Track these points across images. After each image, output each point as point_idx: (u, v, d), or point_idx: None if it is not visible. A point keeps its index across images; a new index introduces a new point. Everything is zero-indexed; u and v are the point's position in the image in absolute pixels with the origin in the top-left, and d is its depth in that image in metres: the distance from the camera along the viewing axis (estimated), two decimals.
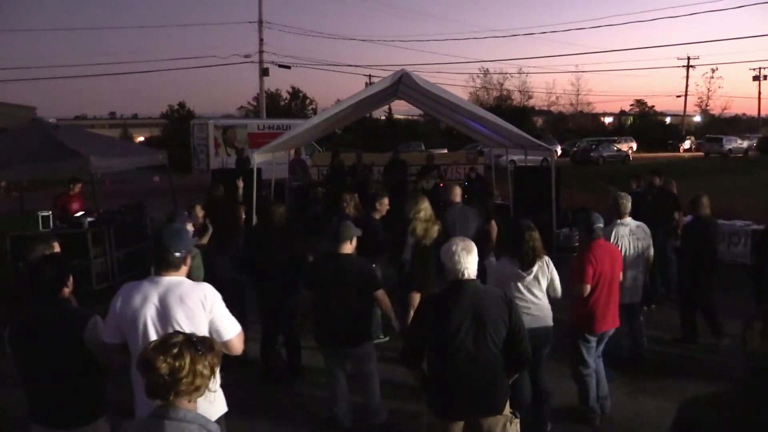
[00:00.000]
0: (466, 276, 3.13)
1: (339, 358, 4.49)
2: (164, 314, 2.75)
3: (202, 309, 2.77)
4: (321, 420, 4.67)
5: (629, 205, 5.39)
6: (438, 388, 3.18)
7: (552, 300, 4.37)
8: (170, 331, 2.67)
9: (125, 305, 2.80)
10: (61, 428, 2.97)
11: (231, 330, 2.86)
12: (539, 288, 4.26)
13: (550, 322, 4.29)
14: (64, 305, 3.06)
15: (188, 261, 2.97)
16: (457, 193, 6.33)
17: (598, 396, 4.61)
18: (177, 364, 1.85)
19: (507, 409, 3.18)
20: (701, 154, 39.88)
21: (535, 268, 4.22)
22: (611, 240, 5.13)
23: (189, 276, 2.87)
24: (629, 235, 5.32)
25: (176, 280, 2.84)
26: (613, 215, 5.38)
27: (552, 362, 4.90)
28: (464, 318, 3.04)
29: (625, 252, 5.21)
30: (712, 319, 6.06)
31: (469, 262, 3.14)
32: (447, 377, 3.12)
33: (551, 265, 4.34)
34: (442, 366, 3.14)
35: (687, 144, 46.18)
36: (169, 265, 2.85)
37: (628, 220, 5.37)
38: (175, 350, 1.86)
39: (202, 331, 2.71)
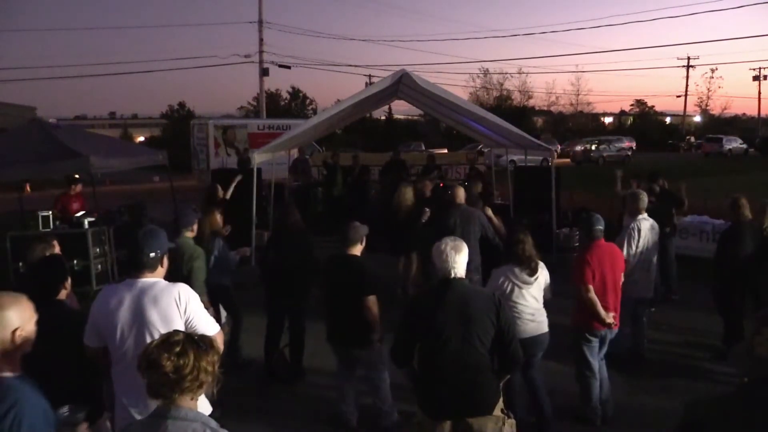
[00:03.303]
0: (454, 275, 3.13)
1: (349, 359, 4.47)
2: (138, 316, 2.72)
3: (176, 309, 2.74)
4: (323, 420, 4.66)
5: (646, 200, 5.62)
6: (425, 387, 3.16)
7: (550, 301, 4.36)
8: (146, 333, 2.67)
9: (101, 309, 2.79)
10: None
11: (209, 329, 2.80)
12: (540, 293, 4.24)
13: (546, 328, 4.29)
14: (62, 306, 3.05)
15: (165, 261, 2.93)
16: (460, 195, 5.97)
17: (601, 399, 4.59)
18: (181, 361, 1.85)
19: (498, 410, 3.12)
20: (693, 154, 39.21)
21: (538, 274, 4.20)
22: (634, 234, 5.32)
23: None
24: (650, 229, 5.46)
25: (150, 281, 2.81)
26: (633, 211, 5.53)
27: (552, 362, 4.91)
28: (451, 316, 3.03)
29: (644, 246, 5.39)
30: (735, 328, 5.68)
31: (458, 262, 3.14)
32: (433, 376, 3.10)
33: (545, 269, 4.32)
34: (429, 364, 3.12)
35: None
36: (143, 267, 2.82)
37: (646, 215, 5.52)
38: (178, 348, 1.86)
39: None
